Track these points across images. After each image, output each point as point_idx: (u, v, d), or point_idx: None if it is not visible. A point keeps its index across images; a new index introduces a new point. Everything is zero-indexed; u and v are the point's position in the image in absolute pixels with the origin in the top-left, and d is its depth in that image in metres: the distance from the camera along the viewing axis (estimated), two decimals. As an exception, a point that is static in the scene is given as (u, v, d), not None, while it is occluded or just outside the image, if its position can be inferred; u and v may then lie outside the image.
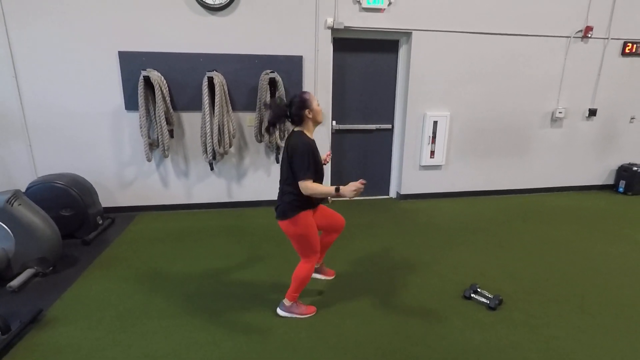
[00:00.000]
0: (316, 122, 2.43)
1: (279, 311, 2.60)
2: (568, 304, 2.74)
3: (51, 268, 3.07)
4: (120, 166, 4.28)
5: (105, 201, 4.33)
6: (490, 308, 2.66)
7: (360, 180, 2.20)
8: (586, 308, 2.70)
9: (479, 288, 2.87)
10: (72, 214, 3.60)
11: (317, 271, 3.00)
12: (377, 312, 2.63)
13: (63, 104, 4.00)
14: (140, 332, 2.38)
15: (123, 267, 3.21)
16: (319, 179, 2.41)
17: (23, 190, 3.62)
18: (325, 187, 2.27)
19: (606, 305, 2.74)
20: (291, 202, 2.37)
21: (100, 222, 3.90)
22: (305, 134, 2.38)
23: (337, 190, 2.22)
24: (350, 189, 2.18)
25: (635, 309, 2.69)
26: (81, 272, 3.13)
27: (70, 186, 3.59)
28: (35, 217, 2.97)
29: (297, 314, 2.58)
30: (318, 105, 2.41)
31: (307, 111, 2.35)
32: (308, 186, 2.26)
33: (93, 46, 3.90)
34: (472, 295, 2.80)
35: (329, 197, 2.32)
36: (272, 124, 2.47)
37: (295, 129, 2.41)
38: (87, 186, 3.80)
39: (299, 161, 2.27)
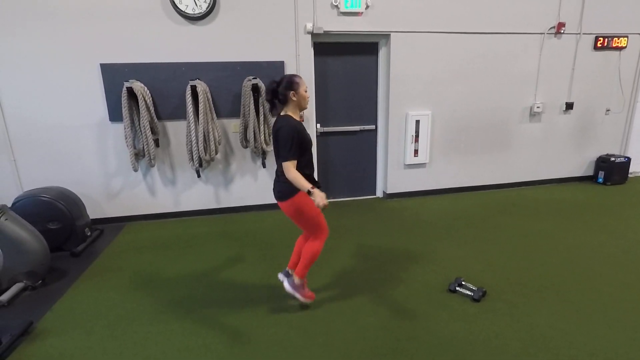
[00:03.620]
0: (301, 107, 2.48)
1: (286, 285, 2.67)
2: (548, 293, 2.84)
3: (40, 281, 3.08)
4: (107, 177, 4.30)
5: (93, 213, 4.33)
6: (475, 300, 2.74)
7: (325, 204, 2.22)
8: (566, 296, 2.79)
9: (464, 281, 2.96)
10: (60, 227, 3.61)
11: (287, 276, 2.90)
12: (365, 309, 2.69)
13: (46, 117, 4.01)
14: (131, 340, 2.42)
15: (113, 277, 3.23)
16: (306, 160, 2.46)
17: (9, 205, 3.62)
18: (304, 181, 2.31)
19: (584, 293, 2.84)
20: (288, 182, 2.39)
21: (89, 233, 3.91)
22: (292, 117, 2.43)
23: (310, 190, 2.27)
24: (319, 196, 2.22)
25: (611, 295, 2.80)
26: (71, 283, 3.14)
27: (56, 199, 3.59)
28: (22, 232, 2.98)
29: (300, 294, 2.66)
30: (306, 91, 2.46)
31: (292, 93, 2.40)
32: (290, 169, 2.33)
33: (75, 59, 3.92)
34: (457, 288, 2.88)
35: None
36: (268, 101, 2.50)
37: (282, 113, 2.46)
38: (74, 198, 3.80)
39: (283, 143, 2.33)
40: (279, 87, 2.42)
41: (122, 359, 2.25)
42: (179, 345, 2.35)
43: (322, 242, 2.59)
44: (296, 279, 2.65)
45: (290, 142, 2.32)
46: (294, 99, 2.42)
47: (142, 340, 2.41)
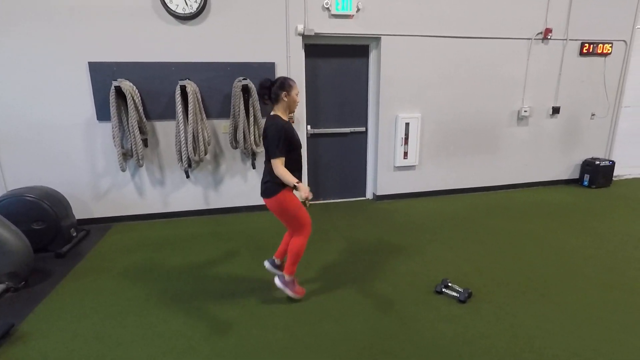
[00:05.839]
0: (289, 109, 2.61)
1: (277, 282, 2.77)
2: (534, 294, 2.87)
3: (23, 283, 3.03)
4: (95, 177, 4.24)
5: (80, 213, 4.28)
6: (460, 301, 2.77)
7: (308, 196, 2.43)
8: (550, 297, 2.83)
9: (450, 282, 2.98)
10: (44, 227, 3.55)
11: (276, 267, 2.99)
12: (353, 309, 2.70)
13: (33, 115, 3.94)
14: (116, 342, 2.38)
15: (98, 278, 3.18)
16: (294, 158, 2.58)
17: (-8, 204, 3.55)
18: (290, 176, 2.45)
19: (569, 293, 2.88)
20: (274, 181, 2.52)
21: (75, 234, 3.85)
22: (280, 117, 2.55)
23: (296, 184, 2.43)
24: (304, 190, 2.41)
25: (595, 296, 2.85)
26: (55, 285, 3.09)
27: (41, 199, 3.53)
28: (4, 232, 2.92)
29: (290, 290, 2.76)
30: (297, 95, 2.60)
31: (284, 94, 2.53)
32: (277, 166, 2.46)
33: (62, 57, 3.87)
34: (443, 289, 2.90)
35: (307, 202, 2.49)
36: (259, 95, 2.62)
37: (272, 113, 2.59)
38: (60, 198, 3.75)
39: (270, 141, 2.47)
40: (273, 85, 2.55)
41: (106, 361, 2.22)
42: (165, 347, 2.33)
43: (306, 239, 2.70)
44: (286, 277, 2.76)
45: (277, 140, 2.44)
46: (285, 99, 2.55)
47: (127, 342, 2.38)
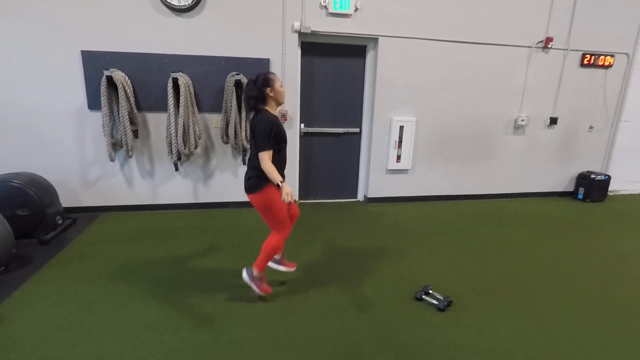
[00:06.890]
0: (278, 102, 2.59)
1: (244, 274, 2.74)
2: (514, 305, 2.84)
3: (3, 268, 3.02)
4: (83, 166, 4.23)
5: (68, 201, 4.27)
6: (439, 309, 2.74)
7: (290, 200, 2.38)
8: (531, 309, 2.80)
9: (431, 290, 2.95)
10: (29, 214, 3.54)
11: (277, 262, 2.97)
12: (330, 311, 2.68)
13: (23, 102, 3.93)
14: (87, 332, 2.37)
15: (79, 267, 3.17)
16: (280, 154, 2.57)
17: (-22, 188, 3.54)
18: (276, 173, 2.44)
19: (550, 307, 2.84)
20: (259, 176, 2.51)
21: (60, 222, 3.84)
22: (268, 111, 2.54)
23: (280, 183, 2.42)
24: (286, 191, 2.39)
25: (576, 311, 2.81)
26: (35, 271, 3.08)
27: (27, 185, 3.53)
28: (-14, 216, 2.92)
29: (256, 286, 2.72)
30: (282, 86, 2.58)
31: (268, 89, 2.51)
32: (265, 159, 2.44)
33: (55, 44, 3.86)
34: (423, 296, 2.87)
35: (297, 200, 2.47)
36: (245, 100, 2.58)
37: (259, 107, 2.56)
38: (46, 185, 3.74)
39: (259, 135, 2.43)
40: (255, 85, 2.51)
41: (75, 351, 2.20)
42: (136, 340, 2.31)
43: (283, 239, 2.69)
44: (255, 271, 2.73)
45: (268, 133, 2.43)
46: (271, 94, 2.53)
47: (98, 332, 2.37)
